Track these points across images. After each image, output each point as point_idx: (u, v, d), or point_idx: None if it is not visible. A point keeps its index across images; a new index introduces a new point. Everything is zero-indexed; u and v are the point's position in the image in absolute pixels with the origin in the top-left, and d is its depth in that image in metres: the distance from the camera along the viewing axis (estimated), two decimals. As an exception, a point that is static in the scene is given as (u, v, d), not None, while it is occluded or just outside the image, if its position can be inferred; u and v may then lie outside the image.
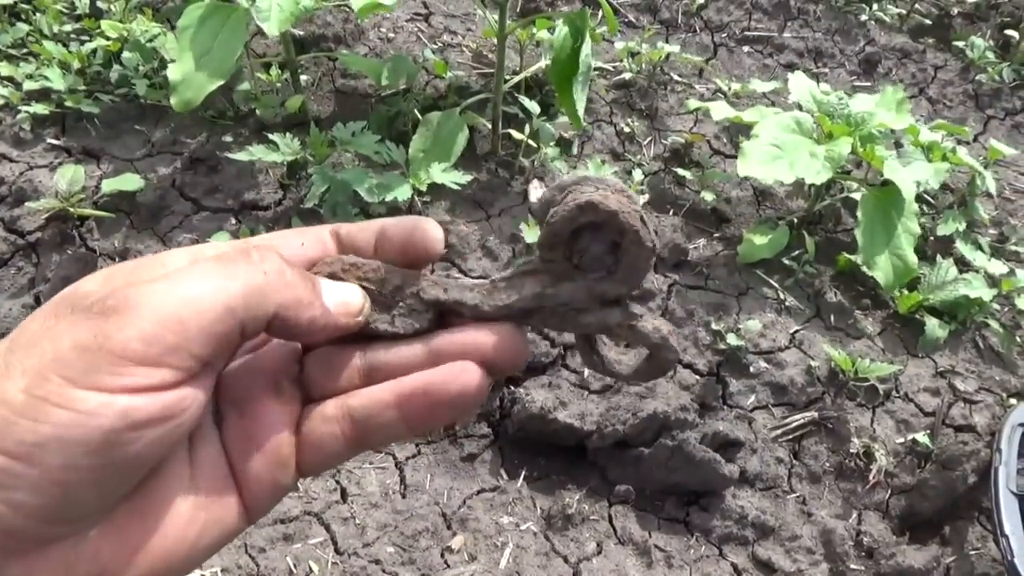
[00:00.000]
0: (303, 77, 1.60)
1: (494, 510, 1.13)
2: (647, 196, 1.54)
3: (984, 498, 1.24)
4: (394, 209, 1.35)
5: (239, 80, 1.55)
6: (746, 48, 2.10)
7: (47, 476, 0.25)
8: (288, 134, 1.39)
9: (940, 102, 2.14)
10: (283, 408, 0.33)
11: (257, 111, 1.51)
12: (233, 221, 1.34)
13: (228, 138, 1.46)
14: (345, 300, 0.33)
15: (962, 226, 1.60)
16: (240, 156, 1.30)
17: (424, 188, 1.34)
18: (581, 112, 1.38)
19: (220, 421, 0.33)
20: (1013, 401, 1.35)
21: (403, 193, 1.30)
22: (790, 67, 2.06)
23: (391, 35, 1.79)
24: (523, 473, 1.19)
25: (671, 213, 1.54)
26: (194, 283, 0.28)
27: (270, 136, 1.36)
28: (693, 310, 1.35)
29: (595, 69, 1.80)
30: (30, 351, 0.26)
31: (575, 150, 1.63)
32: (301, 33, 1.67)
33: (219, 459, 0.32)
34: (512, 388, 1.22)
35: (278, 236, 0.35)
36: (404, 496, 1.12)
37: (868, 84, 2.11)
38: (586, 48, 1.31)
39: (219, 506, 0.32)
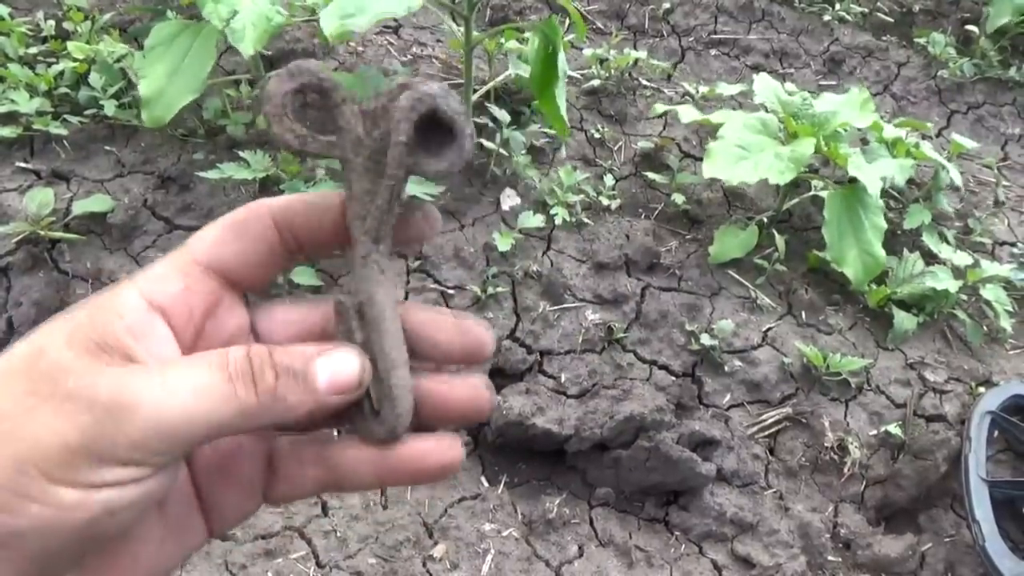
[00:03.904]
0: (273, 93, 1.60)
1: (475, 518, 1.14)
2: (618, 201, 1.56)
3: (956, 486, 1.26)
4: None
5: (209, 98, 1.55)
6: (713, 51, 2.13)
7: (24, 556, 0.26)
8: (259, 150, 1.39)
9: (904, 98, 2.19)
10: (256, 440, 0.34)
11: (228, 128, 1.51)
12: (206, 239, 1.34)
13: (199, 156, 1.46)
14: (339, 379, 0.31)
15: (928, 219, 1.63)
16: (211, 174, 1.30)
17: (397, 200, 1.34)
18: (565, 117, 1.40)
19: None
20: (982, 390, 1.38)
21: (376, 206, 1.31)
22: (757, 68, 2.10)
23: (360, 48, 1.79)
24: (503, 479, 1.20)
25: (643, 217, 1.56)
26: (189, 399, 0.28)
27: (241, 153, 1.36)
28: (667, 312, 1.36)
29: (568, 76, 1.82)
30: (9, 437, 0.26)
31: (549, 156, 1.64)
32: (269, 51, 1.67)
33: (186, 487, 0.33)
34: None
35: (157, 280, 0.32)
36: (385, 507, 1.13)
37: (834, 83, 2.15)
38: (561, 55, 1.33)
39: (186, 531, 0.33)
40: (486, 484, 1.19)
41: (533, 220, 1.43)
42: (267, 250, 0.33)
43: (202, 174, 1.32)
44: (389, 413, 0.33)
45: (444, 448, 0.33)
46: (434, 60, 1.82)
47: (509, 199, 1.50)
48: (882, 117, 2.04)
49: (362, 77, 1.58)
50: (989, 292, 1.48)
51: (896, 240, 1.62)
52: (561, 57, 1.27)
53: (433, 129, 0.32)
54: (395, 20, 1.96)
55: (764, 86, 1.61)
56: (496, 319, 1.31)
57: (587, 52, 1.88)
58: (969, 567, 1.20)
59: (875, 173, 1.49)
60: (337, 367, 0.31)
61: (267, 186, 1.39)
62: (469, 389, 0.34)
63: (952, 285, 1.45)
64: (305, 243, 0.34)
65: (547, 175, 1.56)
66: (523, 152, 1.56)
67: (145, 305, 0.30)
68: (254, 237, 0.33)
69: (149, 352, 0.30)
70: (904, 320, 1.43)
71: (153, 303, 0.31)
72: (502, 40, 1.70)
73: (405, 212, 0.34)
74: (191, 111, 1.53)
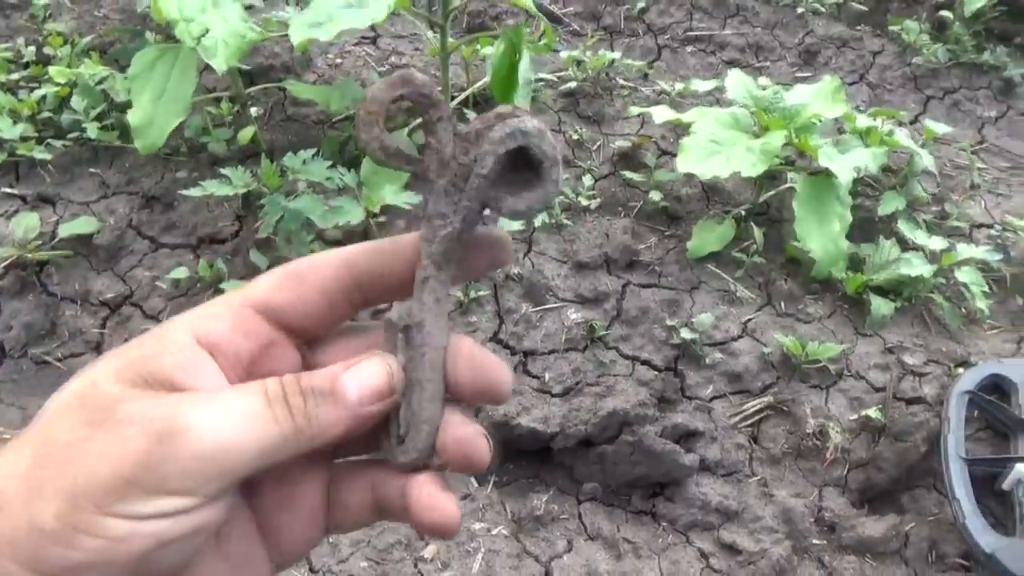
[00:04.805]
0: (253, 109, 1.63)
1: (465, 517, 1.16)
2: (598, 201, 1.58)
3: (937, 465, 1.29)
4: (348, 232, 1.38)
5: (191, 116, 1.57)
6: (689, 48, 2.16)
7: None
8: (241, 166, 1.41)
9: (880, 86, 2.21)
10: (316, 468, 0.34)
11: (209, 145, 1.53)
12: (191, 256, 1.37)
13: (182, 174, 1.48)
14: (368, 388, 0.31)
15: (902, 206, 1.66)
16: (193, 192, 1.32)
17: (377, 210, 1.37)
18: None
19: (247, 485, 0.32)
20: (960, 370, 1.41)
21: (356, 216, 1.33)
22: (733, 63, 2.13)
23: (339, 60, 1.82)
24: (492, 479, 1.23)
25: (622, 215, 1.58)
26: (236, 424, 0.28)
27: (222, 170, 1.38)
28: (647, 308, 1.39)
29: (541, 80, 1.84)
30: (63, 470, 0.27)
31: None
32: (248, 67, 1.69)
33: (248, 523, 0.33)
34: (476, 397, 1.25)
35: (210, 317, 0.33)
36: (377, 511, 1.15)
37: (809, 74, 2.17)
38: (524, 62, 1.36)
39: (250, 566, 0.33)
40: (475, 484, 1.22)
41: (512, 224, 1.45)
42: (324, 302, 0.33)
43: (185, 192, 1.35)
44: (411, 442, 0.33)
45: (443, 506, 0.33)
46: (412, 68, 1.84)
47: (489, 203, 1.52)
48: (858, 106, 2.07)
49: (340, 89, 1.60)
50: (964, 275, 1.50)
51: (873, 227, 1.64)
52: (524, 64, 1.29)
53: (522, 166, 0.31)
54: (373, 30, 1.98)
55: (736, 81, 1.63)
56: (479, 322, 1.33)
57: (563, 54, 1.91)
58: (952, 544, 1.22)
59: (847, 163, 1.52)
60: (364, 377, 0.31)
61: (249, 201, 1.41)
62: (461, 436, 0.33)
63: (927, 270, 1.47)
64: (371, 294, 0.34)
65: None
66: (502, 156, 1.58)
67: (194, 342, 0.31)
68: (310, 289, 0.33)
69: (197, 387, 0.30)
70: (881, 306, 1.45)
71: (202, 340, 0.31)
72: (478, 47, 1.73)
73: (477, 240, 0.33)
74: (174, 130, 1.56)
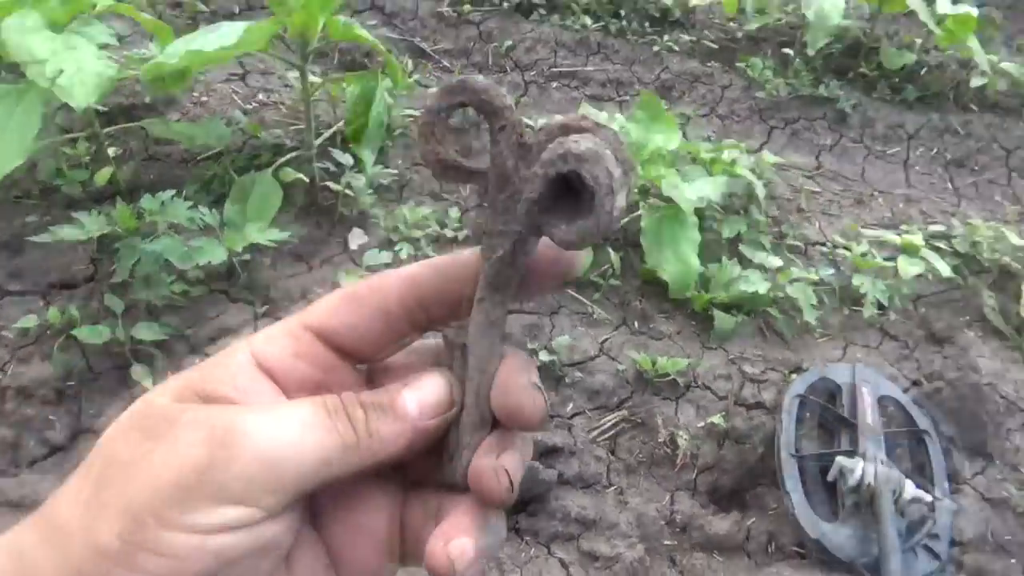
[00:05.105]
0: (112, 149, 1.60)
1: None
2: (465, 232, 1.65)
3: (774, 463, 1.42)
4: (211, 272, 1.38)
5: (44, 158, 1.53)
6: (554, 84, 2.29)
7: None
8: (97, 208, 1.39)
9: (728, 118, 2.42)
10: (385, 493, 0.34)
11: (63, 188, 1.49)
12: (41, 303, 1.33)
13: (33, 218, 1.44)
14: (427, 402, 0.32)
15: (744, 228, 1.82)
16: (42, 238, 1.29)
17: (240, 249, 1.38)
18: (369, 164, 1.49)
19: (316, 511, 0.32)
20: (794, 376, 1.56)
21: (218, 256, 1.34)
22: (595, 98, 2.27)
23: (204, 98, 1.82)
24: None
25: (488, 245, 1.66)
26: (296, 431, 0.28)
27: (75, 214, 1.36)
28: (510, 334, 1.46)
29: (408, 115, 1.91)
30: (124, 487, 0.26)
31: (397, 194, 1.72)
32: (105, 107, 1.66)
33: (317, 552, 0.32)
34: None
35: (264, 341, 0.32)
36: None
37: (665, 107, 2.35)
38: (378, 105, 1.42)
39: None
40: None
41: (380, 257, 1.49)
42: (382, 324, 0.33)
43: (32, 238, 1.31)
44: (458, 462, 0.32)
45: (439, 549, 0.30)
46: (280, 106, 1.86)
47: (357, 238, 1.56)
48: (708, 136, 2.26)
49: (204, 127, 1.61)
50: (795, 290, 1.67)
51: (721, 249, 1.79)
52: (378, 107, 1.35)
53: (579, 190, 0.28)
54: (241, 67, 1.99)
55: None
56: (347, 355, 1.36)
57: (432, 91, 1.98)
58: (788, 535, 1.35)
59: (690, 192, 1.66)
60: (424, 393, 0.32)
61: (105, 244, 1.39)
62: (482, 466, 0.31)
63: (763, 287, 1.63)
64: (435, 312, 0.33)
65: (395, 212, 1.63)
66: (369, 192, 1.63)
67: (253, 365, 0.31)
68: (368, 311, 0.32)
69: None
70: (724, 321, 1.59)
71: (261, 364, 0.31)
72: (344, 85, 1.77)
73: (541, 253, 0.31)
74: (24, 172, 1.51)
